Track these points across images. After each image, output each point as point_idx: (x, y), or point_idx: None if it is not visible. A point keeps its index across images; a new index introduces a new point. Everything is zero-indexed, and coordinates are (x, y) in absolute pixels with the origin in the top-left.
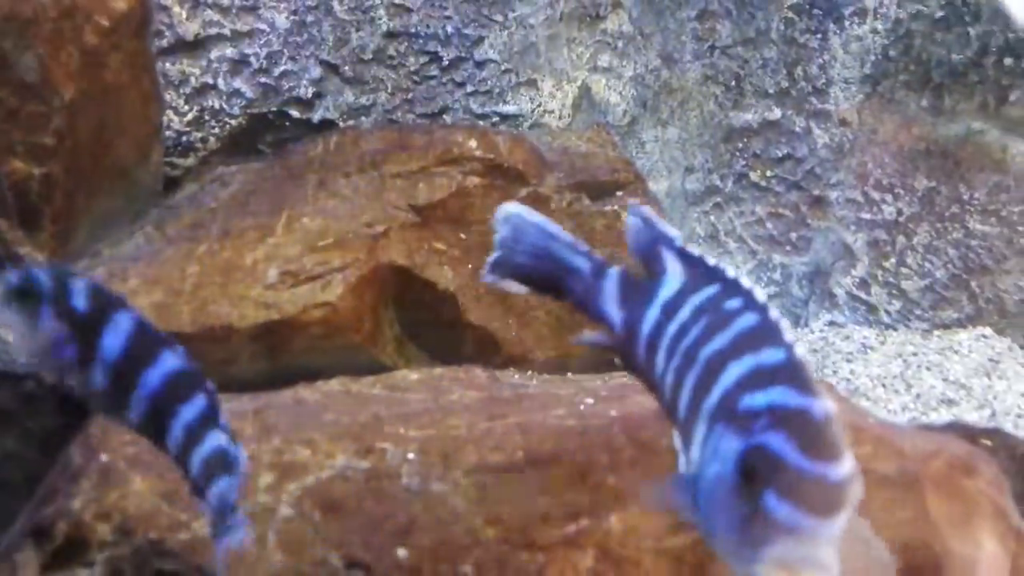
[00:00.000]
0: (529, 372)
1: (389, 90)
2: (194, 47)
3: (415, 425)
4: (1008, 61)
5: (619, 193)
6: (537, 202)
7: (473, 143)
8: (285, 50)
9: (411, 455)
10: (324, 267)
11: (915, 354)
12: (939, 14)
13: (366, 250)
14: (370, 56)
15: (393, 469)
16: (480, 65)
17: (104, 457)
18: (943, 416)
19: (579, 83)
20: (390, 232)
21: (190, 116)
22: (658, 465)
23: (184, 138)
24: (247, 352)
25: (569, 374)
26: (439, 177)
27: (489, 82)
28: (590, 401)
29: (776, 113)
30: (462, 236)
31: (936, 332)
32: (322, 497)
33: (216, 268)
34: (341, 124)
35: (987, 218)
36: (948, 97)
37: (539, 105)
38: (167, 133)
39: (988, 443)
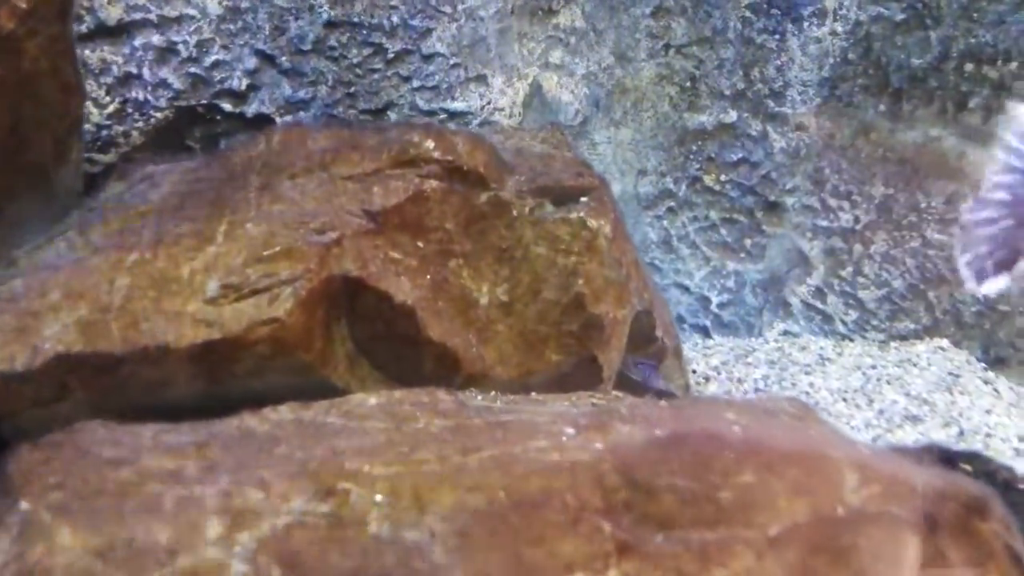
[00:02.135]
0: (492, 392)
1: (330, 83)
2: (116, 33)
3: (380, 460)
4: (969, 67)
5: (584, 199)
6: (498, 208)
7: (430, 143)
8: (217, 38)
9: (378, 496)
10: (271, 279)
11: (874, 367)
12: (900, 17)
13: (317, 259)
14: (310, 47)
15: (359, 514)
16: (427, 59)
17: (25, 505)
18: (908, 434)
19: (530, 80)
20: (343, 240)
21: (111, 108)
22: (656, 509)
23: (104, 132)
24: (184, 374)
25: (533, 393)
26: (394, 180)
27: (436, 77)
28: (570, 431)
29: (732, 115)
30: (419, 244)
31: (893, 343)
32: (280, 549)
33: (149, 280)
34: (277, 119)
35: (945, 227)
36: (906, 102)
37: (489, 102)
38: (86, 126)
39: (968, 468)
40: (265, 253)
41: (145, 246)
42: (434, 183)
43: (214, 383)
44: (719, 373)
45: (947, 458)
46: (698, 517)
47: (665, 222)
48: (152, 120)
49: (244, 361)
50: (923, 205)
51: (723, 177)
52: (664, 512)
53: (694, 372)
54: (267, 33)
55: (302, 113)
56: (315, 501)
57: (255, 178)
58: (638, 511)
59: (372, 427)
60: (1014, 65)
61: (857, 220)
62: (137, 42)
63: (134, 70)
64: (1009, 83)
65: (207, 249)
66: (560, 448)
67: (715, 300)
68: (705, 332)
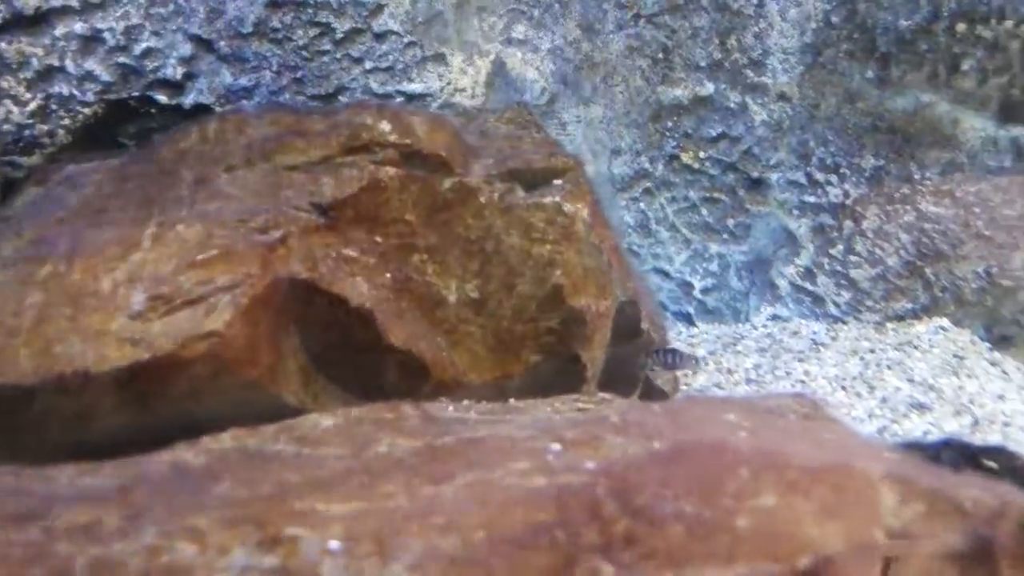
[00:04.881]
0: (465, 401)
1: (274, 68)
2: (35, 23)
3: (337, 496)
4: (961, 27)
5: (557, 182)
6: (463, 195)
7: (385, 126)
8: (147, 23)
9: (333, 543)
10: (207, 287)
11: (872, 351)
12: None
13: (259, 262)
14: (250, 29)
15: (310, 566)
16: (380, 38)
17: None
18: (916, 424)
19: (492, 57)
20: (289, 238)
21: (33, 106)
22: (663, 543)
23: (27, 132)
24: (110, 403)
25: (511, 400)
26: (346, 168)
27: (391, 57)
28: (556, 447)
29: (708, 88)
30: (377, 240)
31: (890, 325)
32: None
33: (64, 295)
34: (218, 109)
35: (940, 199)
36: (895, 67)
37: (448, 83)
38: (5, 127)
39: (992, 464)
40: (199, 257)
41: (60, 257)
42: (391, 170)
43: (146, 411)
44: (707, 364)
45: (968, 454)
46: (712, 551)
47: (642, 204)
48: (79, 117)
49: (179, 384)
50: (916, 176)
51: (702, 154)
52: (672, 546)
53: None
54: (202, 16)
55: (245, 102)
56: (258, 552)
57: (187, 173)
58: (642, 546)
59: (328, 454)
60: (1009, 24)
61: (846, 195)
62: (58, 31)
63: (56, 62)
64: (1004, 43)
65: (132, 256)
66: (545, 469)
67: (698, 285)
68: (688, 319)
